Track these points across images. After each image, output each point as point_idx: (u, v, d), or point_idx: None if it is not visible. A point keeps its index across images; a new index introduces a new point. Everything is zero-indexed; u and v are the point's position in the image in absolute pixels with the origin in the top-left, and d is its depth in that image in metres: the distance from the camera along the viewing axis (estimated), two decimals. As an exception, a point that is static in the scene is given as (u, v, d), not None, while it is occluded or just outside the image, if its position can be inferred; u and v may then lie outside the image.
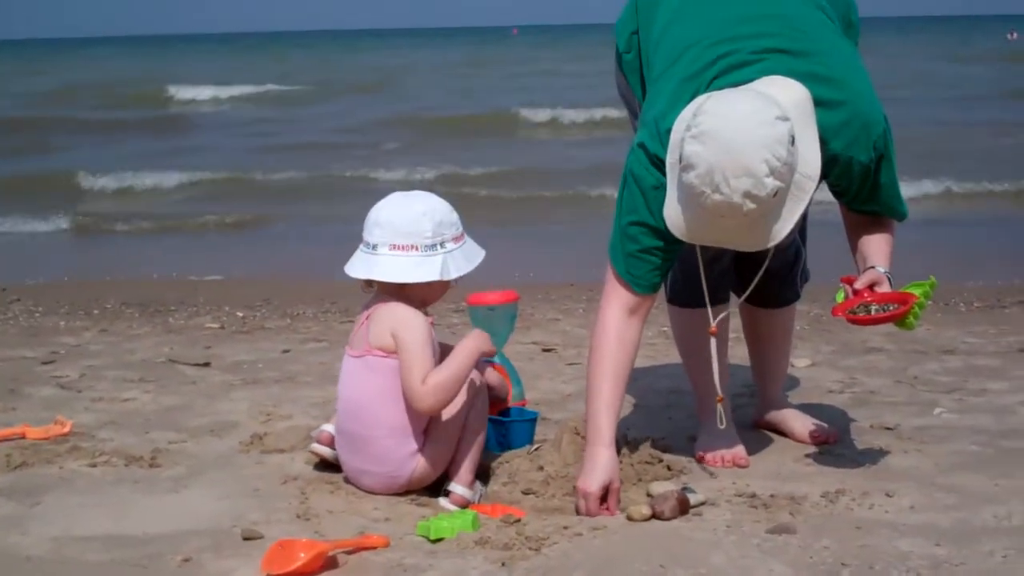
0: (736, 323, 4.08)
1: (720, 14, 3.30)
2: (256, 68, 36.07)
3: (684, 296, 3.67)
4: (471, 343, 3.28)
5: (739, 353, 4.30)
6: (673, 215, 3.12)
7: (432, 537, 2.96)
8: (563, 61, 36.61)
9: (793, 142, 2.97)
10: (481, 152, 14.85)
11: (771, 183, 2.92)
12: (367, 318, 3.31)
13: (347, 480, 3.39)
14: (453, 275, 3.28)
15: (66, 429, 3.93)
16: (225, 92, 25.35)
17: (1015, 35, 47.02)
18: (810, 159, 3.06)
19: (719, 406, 3.46)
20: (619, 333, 3.28)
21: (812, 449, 3.69)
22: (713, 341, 3.39)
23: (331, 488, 3.35)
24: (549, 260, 8.52)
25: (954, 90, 21.67)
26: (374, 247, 3.27)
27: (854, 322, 3.21)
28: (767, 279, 3.62)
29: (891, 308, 3.15)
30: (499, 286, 4.01)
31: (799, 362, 4.95)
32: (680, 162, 3.01)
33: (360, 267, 3.29)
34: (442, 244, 3.27)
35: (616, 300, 3.30)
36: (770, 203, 2.96)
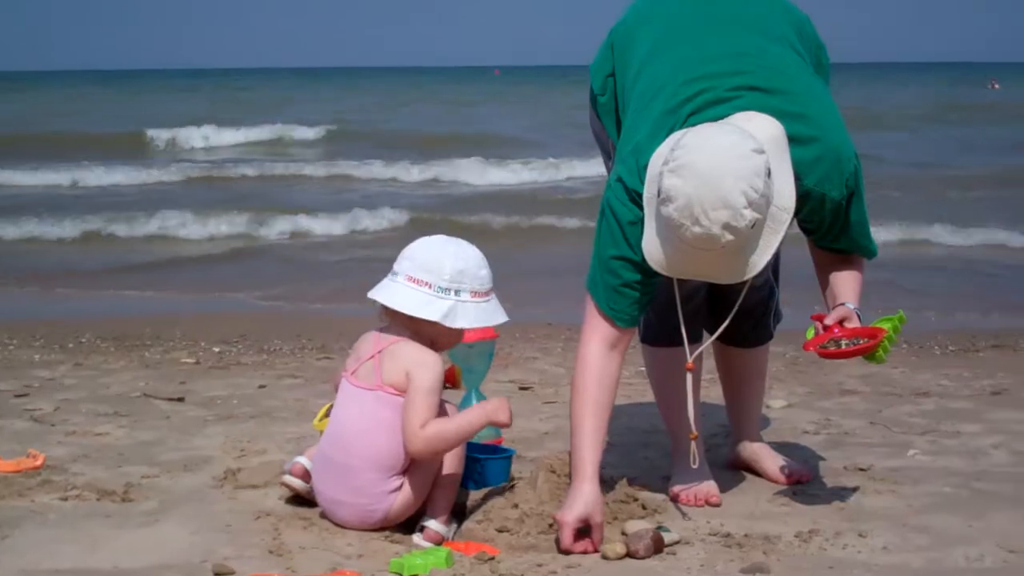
0: (711, 364, 4.10)
1: (696, 52, 3.34)
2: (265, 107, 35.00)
3: (658, 335, 3.70)
4: (486, 408, 3.28)
5: (715, 393, 4.31)
6: (652, 249, 3.15)
7: (405, 574, 2.95)
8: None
9: (769, 174, 3.01)
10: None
11: (749, 215, 2.96)
12: (379, 352, 3.32)
13: (322, 515, 3.38)
14: (458, 324, 3.27)
15: (38, 462, 3.91)
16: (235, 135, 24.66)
17: (997, 85, 47.66)
18: (785, 192, 3.11)
19: (692, 444, 3.47)
20: (600, 369, 3.30)
21: (786, 489, 3.70)
22: (688, 377, 3.41)
23: (304, 524, 3.34)
24: (527, 299, 8.53)
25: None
26: (395, 275, 3.32)
27: (824, 356, 3.23)
28: (741, 318, 3.65)
29: (861, 342, 3.18)
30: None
31: (775, 403, 4.96)
32: (658, 196, 3.05)
33: (378, 290, 3.34)
34: (457, 292, 3.27)
35: (597, 335, 3.31)
36: (748, 235, 3.00)
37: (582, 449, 3.24)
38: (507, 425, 3.29)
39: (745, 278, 3.14)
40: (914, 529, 3.31)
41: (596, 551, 3.12)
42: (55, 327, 7.31)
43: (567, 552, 3.11)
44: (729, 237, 2.97)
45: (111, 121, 27.19)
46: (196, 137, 23.57)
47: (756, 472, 3.87)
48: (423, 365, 3.27)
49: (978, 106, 30.37)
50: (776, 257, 3.84)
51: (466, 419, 3.27)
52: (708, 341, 3.59)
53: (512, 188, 16.11)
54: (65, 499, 3.57)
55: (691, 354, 3.42)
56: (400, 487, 3.27)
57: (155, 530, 3.30)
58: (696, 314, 3.65)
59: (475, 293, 3.30)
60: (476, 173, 17.16)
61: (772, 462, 3.85)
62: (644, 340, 3.79)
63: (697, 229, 2.97)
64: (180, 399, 5.16)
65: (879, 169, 14.50)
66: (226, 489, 3.70)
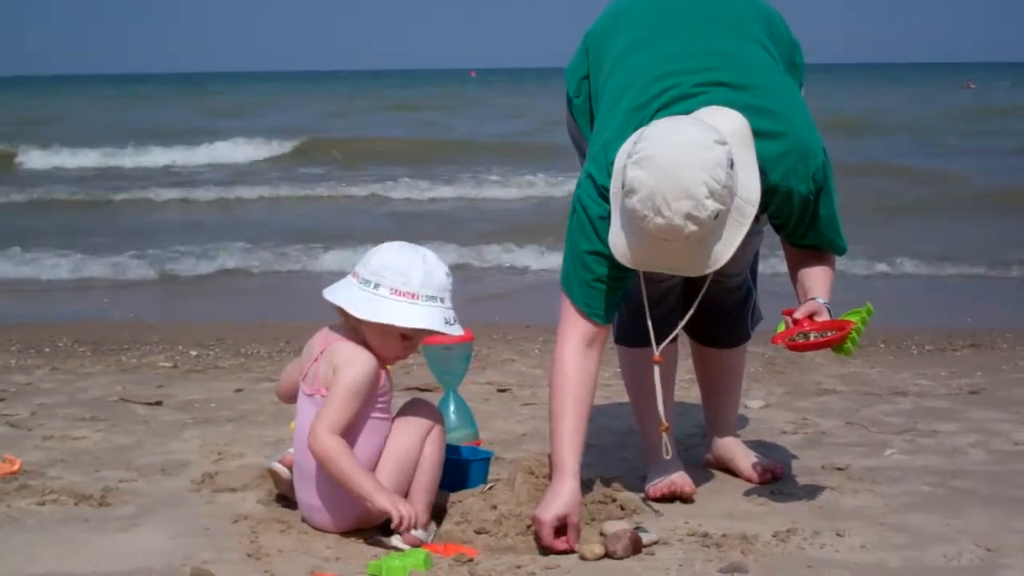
0: (690, 364, 4.10)
1: (666, 51, 3.37)
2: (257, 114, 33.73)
3: (631, 335, 3.70)
4: (384, 498, 3.15)
5: (693, 394, 4.32)
6: (618, 242, 3.17)
7: (384, 576, 2.94)
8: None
9: (732, 166, 3.04)
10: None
11: (711, 205, 2.99)
12: (320, 353, 3.32)
13: (302, 519, 3.37)
14: (360, 314, 3.24)
15: (15, 467, 3.89)
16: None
17: (972, 85, 48.14)
18: (749, 184, 3.13)
19: (663, 435, 3.47)
20: (578, 367, 3.30)
21: (764, 488, 3.71)
22: (657, 370, 3.42)
23: (282, 527, 3.33)
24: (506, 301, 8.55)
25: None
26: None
27: (793, 348, 3.26)
28: (718, 318, 3.66)
29: (829, 334, 3.20)
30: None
31: (753, 403, 4.98)
32: (623, 188, 3.07)
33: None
34: (376, 285, 3.26)
35: (574, 333, 3.32)
36: (711, 225, 3.03)
37: (561, 447, 3.24)
38: (399, 520, 3.14)
39: (709, 270, 3.17)
40: (892, 528, 3.33)
41: (573, 551, 3.12)
42: (31, 331, 7.28)
43: (547, 550, 3.11)
44: (692, 228, 3.00)
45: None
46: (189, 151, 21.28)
47: (731, 471, 3.89)
48: (350, 363, 3.25)
49: (954, 107, 30.56)
50: (755, 257, 3.86)
51: (362, 478, 3.16)
52: (675, 331, 3.59)
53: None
54: (43, 504, 3.55)
55: (659, 348, 3.42)
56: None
57: (133, 534, 3.29)
58: (670, 315, 3.65)
59: (395, 291, 3.25)
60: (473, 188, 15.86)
61: (746, 460, 3.86)
62: (618, 340, 3.80)
63: (660, 220, 2.99)
64: (157, 403, 5.14)
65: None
66: (204, 493, 3.69)
